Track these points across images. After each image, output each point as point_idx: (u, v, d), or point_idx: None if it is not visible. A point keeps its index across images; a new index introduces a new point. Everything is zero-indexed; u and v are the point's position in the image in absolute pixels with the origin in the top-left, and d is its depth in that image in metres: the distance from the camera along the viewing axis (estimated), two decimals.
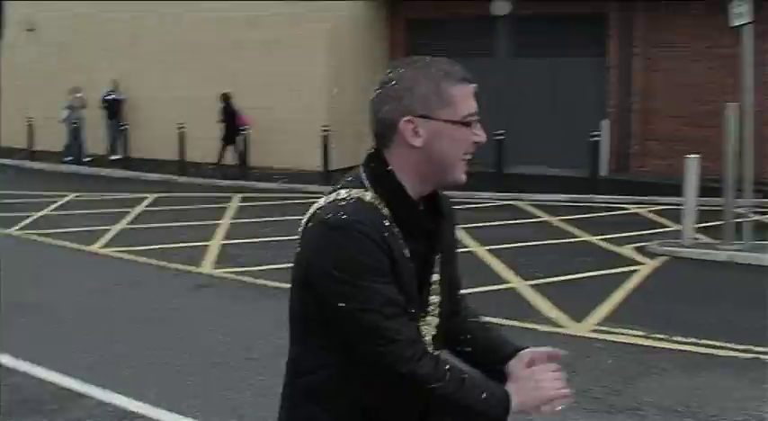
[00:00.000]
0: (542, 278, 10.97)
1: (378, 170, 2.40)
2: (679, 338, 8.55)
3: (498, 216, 15.59)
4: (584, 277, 11.12)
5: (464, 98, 2.40)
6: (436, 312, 2.49)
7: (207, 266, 11.91)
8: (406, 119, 2.34)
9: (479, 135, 2.43)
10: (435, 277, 2.49)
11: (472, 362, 2.64)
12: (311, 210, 2.40)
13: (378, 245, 2.26)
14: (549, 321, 9.15)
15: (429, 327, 2.47)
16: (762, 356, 8.11)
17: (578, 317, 9.22)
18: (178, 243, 13.46)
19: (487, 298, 9.84)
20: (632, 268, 11.72)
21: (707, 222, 13.80)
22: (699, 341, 8.50)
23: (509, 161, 19.81)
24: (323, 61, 22.87)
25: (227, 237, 13.99)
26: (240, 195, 19.06)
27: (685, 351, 8.26)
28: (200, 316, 9.59)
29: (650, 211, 16.49)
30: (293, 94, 22.92)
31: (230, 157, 22.48)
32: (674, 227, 13.96)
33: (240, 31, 23.62)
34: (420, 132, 2.35)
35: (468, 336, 2.68)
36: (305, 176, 20.98)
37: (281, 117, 23.07)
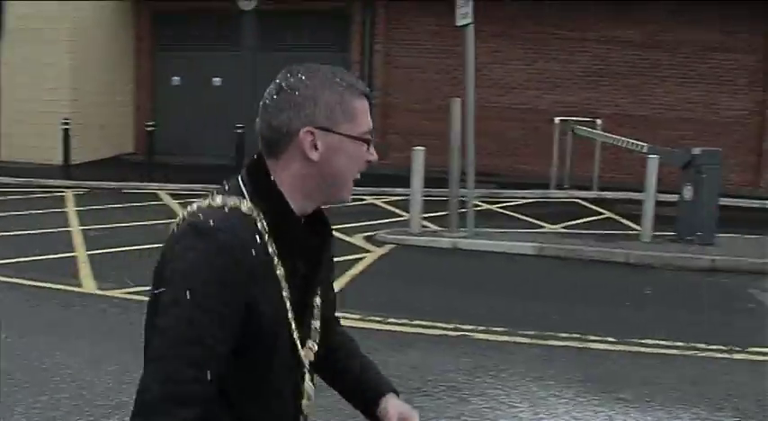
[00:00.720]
0: None
1: (259, 180, 2.17)
2: (393, 319, 9.00)
3: None
4: None
5: (364, 113, 2.21)
6: (317, 338, 2.28)
7: None
8: (306, 129, 2.12)
9: (373, 154, 2.25)
10: (318, 300, 2.28)
11: (345, 393, 2.55)
12: (181, 215, 2.13)
13: (239, 266, 1.99)
14: None
15: (310, 353, 2.26)
16: (469, 334, 8.66)
17: None
18: None
19: None
20: (359, 256, 12.14)
21: (435, 212, 14.44)
22: (411, 321, 8.97)
23: (251, 154, 19.91)
24: (66, 52, 22.32)
25: None
26: None
27: (397, 331, 8.71)
28: None
29: (386, 202, 17.11)
30: (35, 86, 22.24)
31: None
32: (406, 216, 14.49)
33: None
34: (318, 145, 2.13)
35: (342, 367, 2.54)
36: (45, 170, 20.41)
37: (22, 109, 22.29)
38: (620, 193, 18.61)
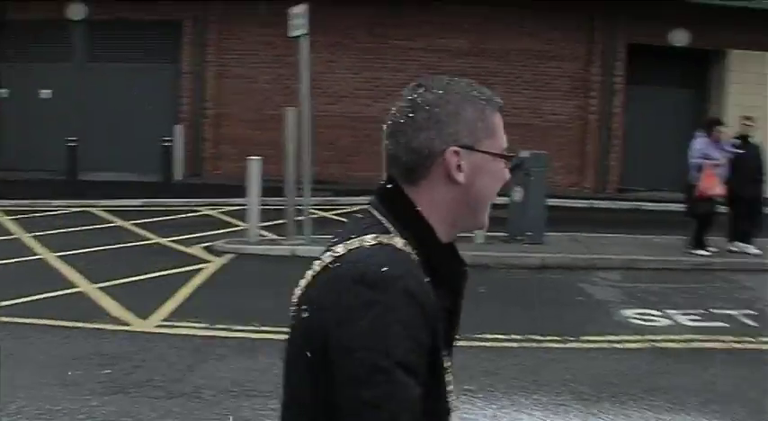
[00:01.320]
0: (111, 280, 11.00)
1: (403, 210, 1.97)
2: (239, 327, 9.08)
3: (71, 223, 15.40)
4: (152, 277, 11.32)
5: (501, 128, 2.05)
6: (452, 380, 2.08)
7: None
8: (452, 149, 1.95)
9: (507, 172, 2.08)
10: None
11: None
12: (324, 260, 1.94)
13: (424, 312, 1.82)
14: (115, 320, 9.27)
15: (453, 398, 2.07)
16: None
17: (144, 314, 9.45)
18: None
19: (55, 302, 9.88)
20: (199, 266, 12.14)
21: (273, 220, 14.56)
22: (258, 327, 9.07)
23: (83, 168, 19.64)
24: None
25: None
26: None
27: (244, 338, 8.78)
28: None
29: (221, 213, 17.07)
30: None
31: None
32: (243, 226, 14.52)
33: None
34: (462, 166, 1.97)
35: None
36: None
37: None
38: None
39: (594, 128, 22.74)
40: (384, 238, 1.90)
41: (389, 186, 2.02)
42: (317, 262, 1.96)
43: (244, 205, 14.79)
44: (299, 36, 13.36)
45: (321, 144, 19.84)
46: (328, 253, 1.93)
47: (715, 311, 10.56)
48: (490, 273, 12.33)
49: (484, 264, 12.63)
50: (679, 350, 8.94)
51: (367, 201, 2.06)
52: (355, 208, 17.84)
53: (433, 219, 1.98)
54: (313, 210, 14.45)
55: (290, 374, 1.99)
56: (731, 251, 14.05)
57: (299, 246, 13.35)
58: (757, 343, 9.24)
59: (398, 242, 1.91)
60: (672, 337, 9.29)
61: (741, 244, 14.06)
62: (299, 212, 13.71)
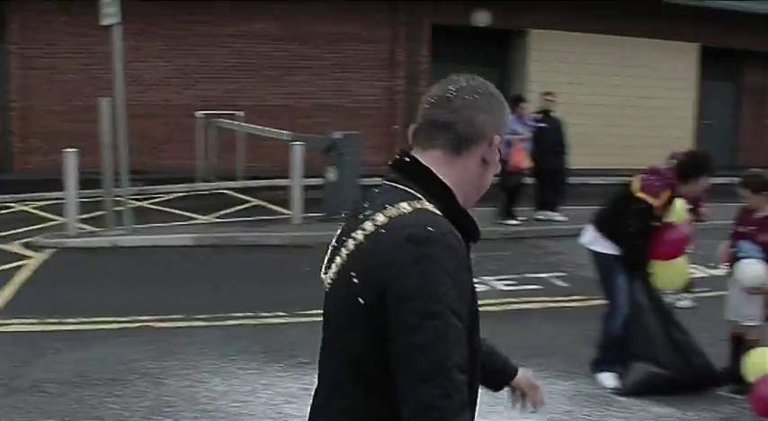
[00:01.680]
0: None
1: (426, 179, 2.22)
2: (69, 319, 9.10)
3: None
4: None
5: None
6: None
7: None
8: (497, 136, 2.27)
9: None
10: None
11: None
12: (367, 229, 2.16)
13: (463, 265, 2.09)
14: None
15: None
16: (148, 324, 8.98)
17: None
18: None
19: None
20: (20, 263, 11.94)
21: (92, 213, 14.44)
22: (88, 319, 9.12)
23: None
24: None
25: None
26: None
27: (77, 330, 8.82)
28: None
29: (36, 208, 16.67)
30: None
31: None
32: (61, 220, 14.32)
33: None
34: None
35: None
36: None
37: None
38: (265, 181, 19.27)
39: (402, 107, 23.33)
40: (417, 204, 2.14)
41: (407, 159, 2.27)
42: (360, 231, 2.17)
43: (59, 199, 14.60)
44: (111, 25, 13.25)
45: (133, 133, 19.72)
46: (368, 222, 2.16)
47: (528, 275, 11.32)
48: (312, 252, 12.56)
49: (306, 244, 12.97)
50: (498, 312, 9.57)
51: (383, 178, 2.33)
52: (172, 196, 17.95)
53: (456, 187, 2.23)
54: (130, 200, 14.44)
55: (338, 339, 2.23)
56: (538, 219, 14.90)
57: (120, 237, 13.36)
58: (569, 301, 10.04)
59: (430, 207, 2.15)
60: (490, 301, 9.86)
61: (548, 212, 14.91)
62: (118, 203, 13.68)
